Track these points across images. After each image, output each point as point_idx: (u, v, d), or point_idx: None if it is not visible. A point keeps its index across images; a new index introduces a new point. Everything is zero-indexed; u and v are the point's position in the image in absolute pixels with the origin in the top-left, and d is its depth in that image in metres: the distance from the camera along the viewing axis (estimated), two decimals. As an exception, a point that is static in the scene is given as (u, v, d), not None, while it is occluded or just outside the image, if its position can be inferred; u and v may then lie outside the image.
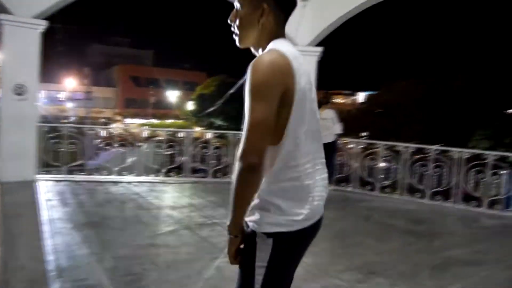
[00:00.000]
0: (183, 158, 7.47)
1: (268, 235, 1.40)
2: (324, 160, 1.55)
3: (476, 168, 6.40)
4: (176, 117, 33.11)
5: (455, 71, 18.65)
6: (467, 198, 6.50)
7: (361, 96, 42.17)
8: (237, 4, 1.49)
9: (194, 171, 7.65)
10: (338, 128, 7.12)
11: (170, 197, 6.31)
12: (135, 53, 47.08)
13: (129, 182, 6.93)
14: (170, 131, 7.98)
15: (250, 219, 1.43)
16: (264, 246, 1.41)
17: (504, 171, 6.78)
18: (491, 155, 6.31)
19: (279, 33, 1.48)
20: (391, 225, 5.36)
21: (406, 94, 18.11)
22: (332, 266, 3.74)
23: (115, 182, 6.84)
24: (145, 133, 8.76)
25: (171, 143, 7.59)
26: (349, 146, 7.89)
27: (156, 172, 7.44)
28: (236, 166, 1.31)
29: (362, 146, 7.60)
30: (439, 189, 6.65)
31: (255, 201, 1.43)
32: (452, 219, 5.85)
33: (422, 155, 6.73)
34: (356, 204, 6.53)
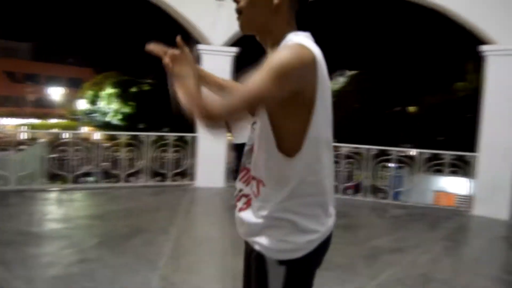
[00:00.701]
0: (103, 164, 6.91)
1: (281, 262, 1.27)
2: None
3: (382, 163, 7.03)
4: (61, 116, 30.51)
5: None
6: (375, 190, 7.10)
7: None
8: None
9: (108, 176, 7.12)
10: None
11: (85, 206, 5.80)
12: (10, 46, 42.17)
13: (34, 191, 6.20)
14: (79, 133, 7.31)
15: (259, 242, 1.30)
16: (276, 273, 1.28)
17: (392, 165, 7.46)
18: (395, 151, 6.98)
19: (293, 24, 1.31)
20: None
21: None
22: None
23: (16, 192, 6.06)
24: (24, 135, 7.90)
25: (77, 147, 6.96)
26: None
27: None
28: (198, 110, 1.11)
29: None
30: (350, 183, 7.15)
31: (262, 220, 1.29)
32: (366, 211, 6.33)
33: (337, 153, 7.15)
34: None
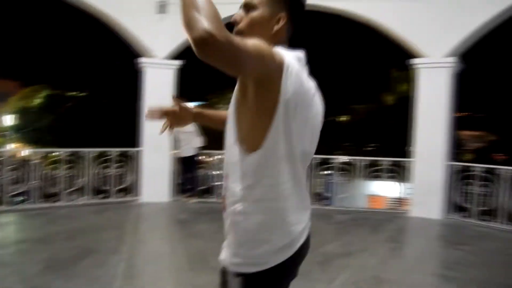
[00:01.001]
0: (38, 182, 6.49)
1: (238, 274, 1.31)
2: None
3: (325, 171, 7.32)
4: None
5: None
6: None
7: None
8: (250, 5, 1.35)
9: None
10: (198, 141, 7.22)
11: (23, 229, 5.42)
12: None
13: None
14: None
15: (236, 261, 1.33)
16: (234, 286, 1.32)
17: (330, 172, 7.74)
18: (335, 159, 7.31)
19: (286, 46, 1.35)
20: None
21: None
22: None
23: None
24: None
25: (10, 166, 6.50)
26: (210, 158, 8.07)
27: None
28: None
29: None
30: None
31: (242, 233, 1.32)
32: (312, 218, 6.50)
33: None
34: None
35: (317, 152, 1.53)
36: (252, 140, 1.25)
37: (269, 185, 1.28)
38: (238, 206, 1.31)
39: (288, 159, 1.27)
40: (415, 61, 6.58)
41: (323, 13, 7.02)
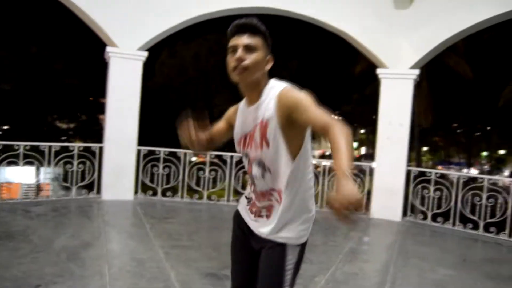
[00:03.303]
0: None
1: (297, 245, 1.78)
2: None
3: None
4: None
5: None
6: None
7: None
8: (252, 47, 1.69)
9: None
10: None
11: None
12: None
13: None
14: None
15: (283, 236, 1.75)
16: (293, 254, 1.76)
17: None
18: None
19: (267, 76, 1.79)
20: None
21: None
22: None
23: None
24: None
25: None
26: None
27: None
28: (339, 129, 1.46)
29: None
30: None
31: (286, 218, 1.75)
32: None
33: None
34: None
35: None
36: (295, 151, 1.70)
37: (307, 179, 1.77)
38: (286, 196, 1.73)
39: (310, 159, 1.78)
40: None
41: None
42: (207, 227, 5.99)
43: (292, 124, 1.64)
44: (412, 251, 5.23)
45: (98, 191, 6.85)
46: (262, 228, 1.80)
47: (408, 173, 6.87)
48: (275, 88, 1.72)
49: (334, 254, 4.69)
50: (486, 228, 6.13)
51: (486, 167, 32.44)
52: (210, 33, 19.23)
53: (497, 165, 32.50)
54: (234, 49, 1.70)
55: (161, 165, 7.14)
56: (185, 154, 7.23)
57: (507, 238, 5.94)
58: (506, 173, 30.37)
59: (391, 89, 6.87)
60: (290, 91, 1.67)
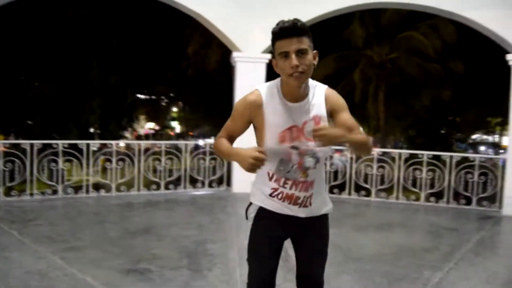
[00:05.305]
0: None
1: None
2: None
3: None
4: None
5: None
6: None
7: None
8: (303, 50, 1.80)
9: None
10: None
11: None
12: None
13: None
14: None
15: (329, 207, 2.11)
16: (328, 222, 2.16)
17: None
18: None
19: None
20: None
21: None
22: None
23: None
24: None
25: None
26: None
27: None
28: (360, 131, 1.95)
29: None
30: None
31: (324, 198, 2.10)
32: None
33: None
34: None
35: None
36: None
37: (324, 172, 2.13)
38: (323, 185, 2.11)
39: None
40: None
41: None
42: (85, 223, 5.42)
43: (328, 119, 1.94)
44: None
45: None
46: (315, 209, 2.03)
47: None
48: (318, 86, 1.98)
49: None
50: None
51: None
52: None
53: None
54: (286, 54, 1.79)
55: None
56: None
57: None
58: None
59: (245, 73, 7.32)
60: (334, 92, 2.00)
